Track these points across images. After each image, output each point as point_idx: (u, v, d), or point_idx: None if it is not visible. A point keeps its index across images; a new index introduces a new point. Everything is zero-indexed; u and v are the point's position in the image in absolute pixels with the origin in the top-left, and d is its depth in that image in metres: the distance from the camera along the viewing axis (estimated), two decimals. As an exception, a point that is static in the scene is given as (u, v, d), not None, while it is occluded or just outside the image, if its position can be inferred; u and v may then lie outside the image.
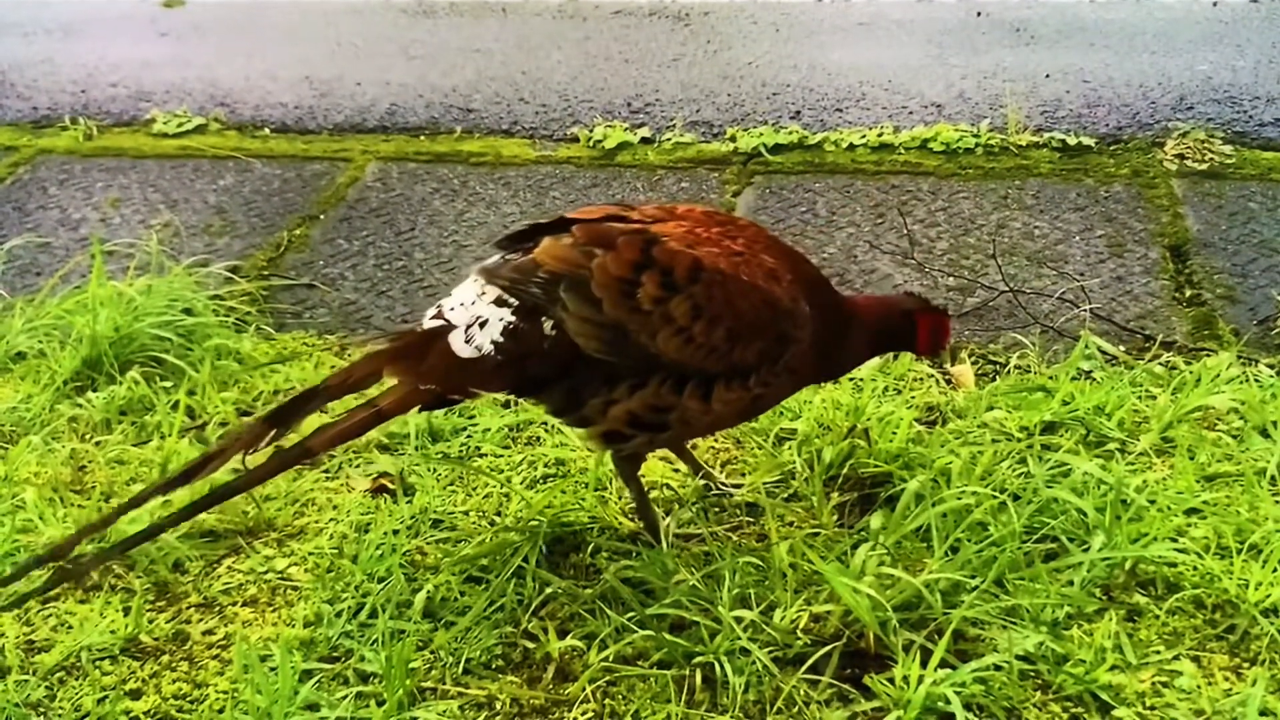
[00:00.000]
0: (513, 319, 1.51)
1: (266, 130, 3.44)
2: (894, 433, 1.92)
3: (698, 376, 1.50)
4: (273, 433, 1.54)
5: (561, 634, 1.57)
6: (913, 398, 2.08)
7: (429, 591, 1.63)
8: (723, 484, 1.88)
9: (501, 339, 1.50)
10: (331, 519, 1.84)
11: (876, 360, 2.10)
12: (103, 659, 1.59)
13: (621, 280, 1.47)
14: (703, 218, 1.59)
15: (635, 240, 1.49)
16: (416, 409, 1.55)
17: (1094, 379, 2.13)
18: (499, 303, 1.52)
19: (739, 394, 1.53)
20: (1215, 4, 4.01)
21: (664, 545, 1.70)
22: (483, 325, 1.52)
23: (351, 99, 3.60)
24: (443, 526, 1.80)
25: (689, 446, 1.90)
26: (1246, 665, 1.50)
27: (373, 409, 1.52)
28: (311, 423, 1.71)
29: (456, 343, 1.51)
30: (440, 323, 1.54)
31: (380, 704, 1.45)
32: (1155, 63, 3.55)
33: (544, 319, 1.50)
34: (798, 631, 1.53)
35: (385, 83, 3.70)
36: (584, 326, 1.48)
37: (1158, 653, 1.52)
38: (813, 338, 1.56)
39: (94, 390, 2.16)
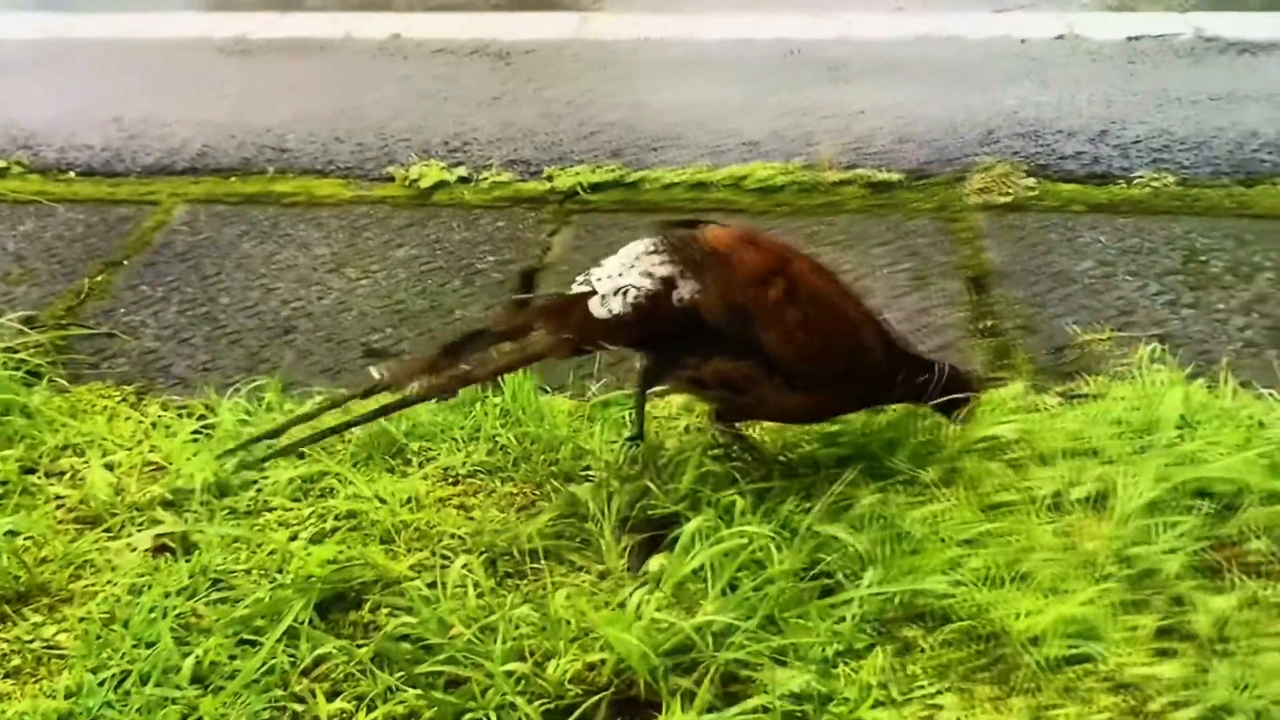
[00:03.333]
0: (653, 286, 1.78)
1: (72, 174, 3.34)
2: (685, 472, 1.93)
3: (783, 373, 1.78)
4: (446, 363, 1.84)
5: (332, 696, 1.53)
6: (713, 435, 2.09)
7: (198, 655, 1.58)
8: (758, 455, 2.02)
9: (639, 301, 1.78)
10: (109, 581, 1.78)
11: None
12: None
13: (758, 275, 1.77)
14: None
15: (776, 251, 1.82)
16: (562, 354, 1.83)
17: (886, 411, 2.16)
18: (642, 274, 1.79)
19: (803, 400, 1.83)
20: (1024, 41, 4.14)
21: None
22: (618, 292, 1.79)
23: (162, 140, 3.51)
24: (221, 586, 1.75)
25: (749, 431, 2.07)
26: (1008, 696, 1.53)
27: (527, 350, 1.85)
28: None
29: (594, 306, 1.80)
30: (586, 288, 1.83)
31: (130, 779, 1.40)
32: (964, 98, 3.66)
33: (674, 290, 1.78)
34: (568, 683, 1.52)
35: (197, 123, 3.62)
36: (717, 301, 1.76)
37: (924, 687, 1.54)
38: (872, 388, 1.89)
39: None
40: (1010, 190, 3.05)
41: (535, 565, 1.79)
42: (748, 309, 1.77)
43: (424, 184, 3.18)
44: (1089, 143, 3.32)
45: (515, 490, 1.99)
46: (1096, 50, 4.05)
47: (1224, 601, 1.65)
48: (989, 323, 2.52)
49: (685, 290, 1.78)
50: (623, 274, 1.81)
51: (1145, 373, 2.20)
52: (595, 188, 3.14)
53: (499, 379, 2.08)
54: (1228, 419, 2.06)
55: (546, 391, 2.25)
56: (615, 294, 1.80)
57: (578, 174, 3.18)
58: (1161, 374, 2.18)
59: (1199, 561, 1.75)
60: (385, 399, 1.87)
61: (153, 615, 1.67)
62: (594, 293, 1.82)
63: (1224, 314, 2.51)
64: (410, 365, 1.85)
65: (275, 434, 1.96)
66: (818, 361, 1.80)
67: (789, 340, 1.77)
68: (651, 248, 1.83)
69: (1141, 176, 3.12)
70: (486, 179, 3.21)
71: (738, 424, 2.00)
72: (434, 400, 1.95)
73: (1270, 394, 2.12)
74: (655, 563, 1.71)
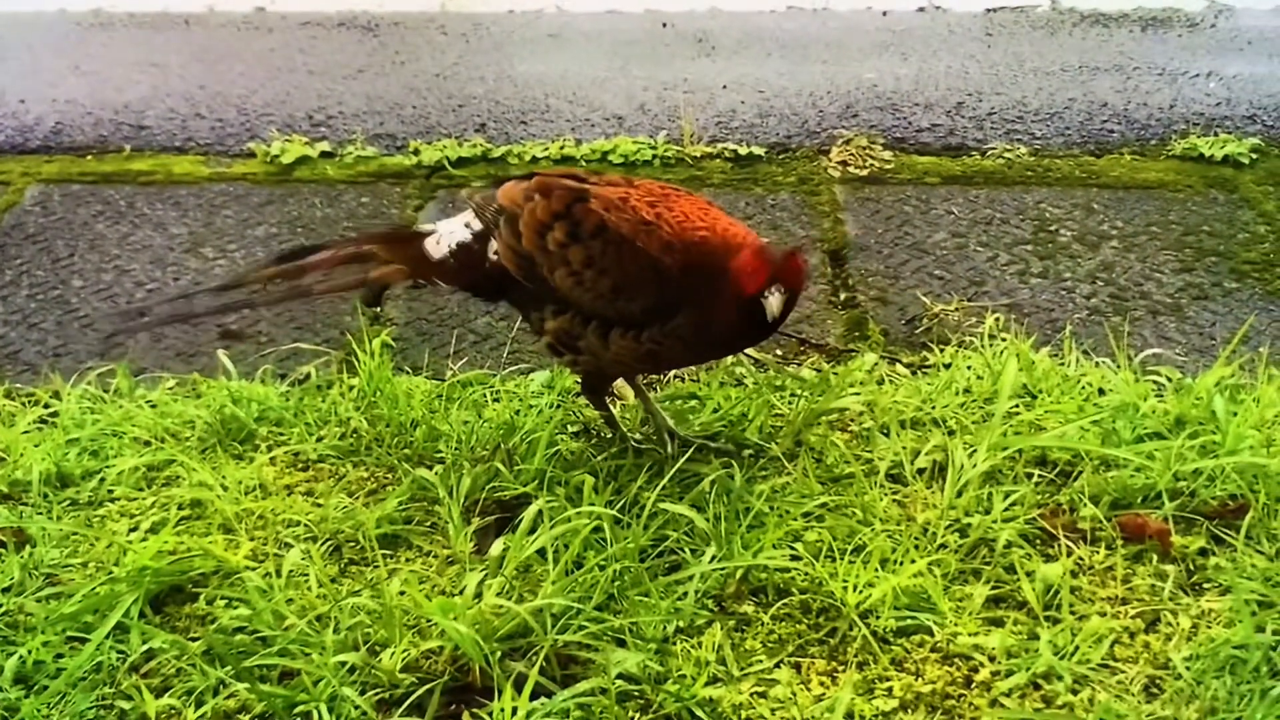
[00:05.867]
0: (469, 238, 1.90)
1: (-82, 153, 3.22)
2: (538, 452, 1.93)
3: (596, 318, 1.79)
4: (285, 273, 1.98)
5: (160, 692, 1.51)
6: (571, 414, 2.09)
7: (23, 654, 1.55)
8: (670, 429, 2.00)
9: (457, 249, 1.90)
10: (-66, 582, 1.73)
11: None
12: None
13: (540, 223, 1.79)
14: (652, 190, 1.84)
15: (566, 195, 1.80)
16: (396, 282, 1.97)
17: (744, 385, 2.18)
18: (467, 226, 1.91)
19: (631, 343, 1.78)
20: (885, 14, 4.19)
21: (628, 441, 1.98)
22: (449, 237, 1.91)
23: (14, 117, 3.40)
24: (54, 581, 1.71)
25: (645, 385, 2.09)
26: (841, 669, 1.56)
27: (363, 271, 1.95)
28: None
29: (430, 244, 1.93)
30: (429, 228, 1.95)
31: (-57, 787, 1.36)
32: (826, 71, 3.69)
33: (490, 243, 1.87)
34: (401, 672, 1.51)
35: (52, 99, 3.51)
36: (508, 252, 1.83)
37: (760, 661, 1.56)
38: (700, 315, 1.76)
39: None
40: (868, 163, 3.09)
41: (384, 552, 1.77)
42: (534, 257, 1.81)
43: (285, 160, 3.12)
44: (945, 115, 3.37)
45: (366, 475, 1.97)
46: (956, 23, 4.12)
47: (1054, 569, 1.69)
48: (845, 295, 2.55)
49: (491, 248, 1.88)
50: (456, 224, 1.94)
51: (992, 342, 2.24)
52: (461, 162, 3.12)
53: (336, 295, 2.15)
54: (1069, 387, 2.12)
55: (404, 373, 2.23)
56: (447, 237, 1.92)
57: (443, 148, 3.15)
58: (1007, 343, 2.22)
59: (1032, 530, 1.79)
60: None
61: (-22, 615, 1.62)
62: (433, 232, 1.94)
63: (1071, 282, 2.57)
64: (249, 271, 2.03)
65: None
66: (616, 296, 1.77)
67: (579, 281, 1.78)
68: (469, 201, 1.93)
69: (995, 148, 3.18)
70: (350, 154, 3.16)
71: (605, 396, 2.00)
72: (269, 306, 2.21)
73: (1108, 362, 2.17)
74: (499, 545, 1.70)
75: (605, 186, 1.83)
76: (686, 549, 1.73)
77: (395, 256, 1.94)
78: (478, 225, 1.91)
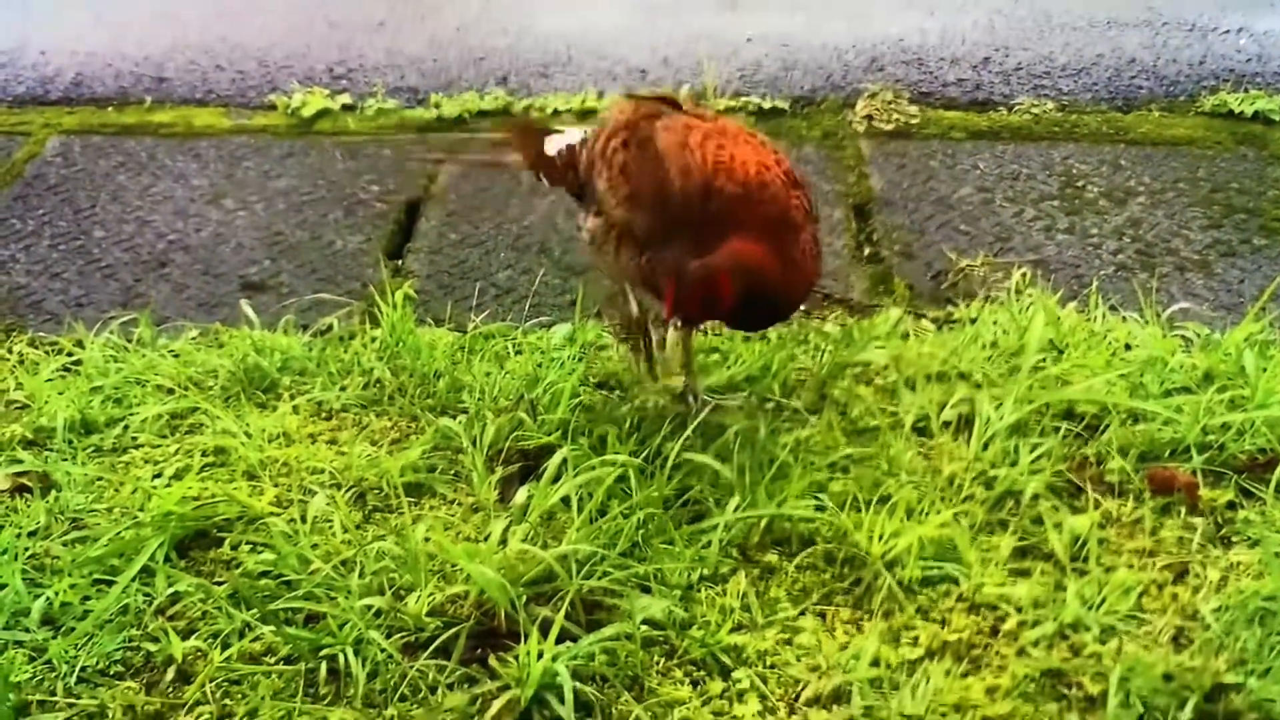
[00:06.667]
0: (575, 142, 1.92)
1: (-61, 104, 3.22)
2: (562, 403, 1.92)
3: (615, 226, 1.78)
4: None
5: (187, 634, 1.51)
6: (593, 366, 2.08)
7: (49, 596, 1.55)
8: (695, 391, 1.97)
9: (565, 150, 1.93)
10: (-38, 524, 1.73)
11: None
12: None
13: (612, 132, 1.82)
14: (728, 129, 1.78)
15: (644, 110, 1.82)
16: (518, 169, 2.04)
17: (767, 339, 2.17)
18: (582, 132, 1.93)
19: (631, 262, 1.76)
20: (913, -35, 4.14)
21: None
22: (566, 139, 1.94)
23: (34, 69, 3.39)
24: (80, 525, 1.72)
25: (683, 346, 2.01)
26: (866, 618, 1.55)
27: (499, 153, 2.10)
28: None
29: (549, 142, 1.96)
30: (560, 129, 1.99)
31: (-27, 724, 1.37)
32: (851, 25, 3.65)
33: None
34: (427, 616, 1.51)
35: (73, 51, 3.50)
36: (583, 154, 1.87)
37: (784, 610, 1.56)
38: (681, 260, 1.67)
39: None
40: (894, 118, 3.06)
41: (404, 500, 1.77)
42: (594, 160, 1.83)
43: (306, 113, 3.11)
44: (972, 70, 3.34)
45: (389, 424, 1.96)
46: (985, -25, 4.07)
47: (1081, 521, 1.69)
48: (870, 250, 2.53)
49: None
50: (578, 132, 1.96)
51: (1019, 297, 2.22)
52: (482, 115, 3.10)
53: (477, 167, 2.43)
54: (1096, 341, 2.10)
55: (426, 325, 2.23)
56: (563, 140, 1.95)
57: (464, 101, 3.13)
58: (1034, 298, 2.20)
59: (1059, 482, 1.78)
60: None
61: (3, 557, 1.63)
62: (561, 133, 1.98)
63: (1098, 238, 2.54)
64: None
65: None
66: (629, 205, 1.75)
67: (610, 184, 1.78)
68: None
69: (1022, 103, 3.15)
70: (371, 107, 3.14)
71: (626, 321, 1.98)
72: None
73: (1135, 317, 2.15)
74: (523, 494, 1.70)
75: (691, 116, 1.82)
76: (710, 499, 1.73)
77: (522, 145, 2.00)
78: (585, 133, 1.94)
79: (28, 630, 1.51)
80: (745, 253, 1.62)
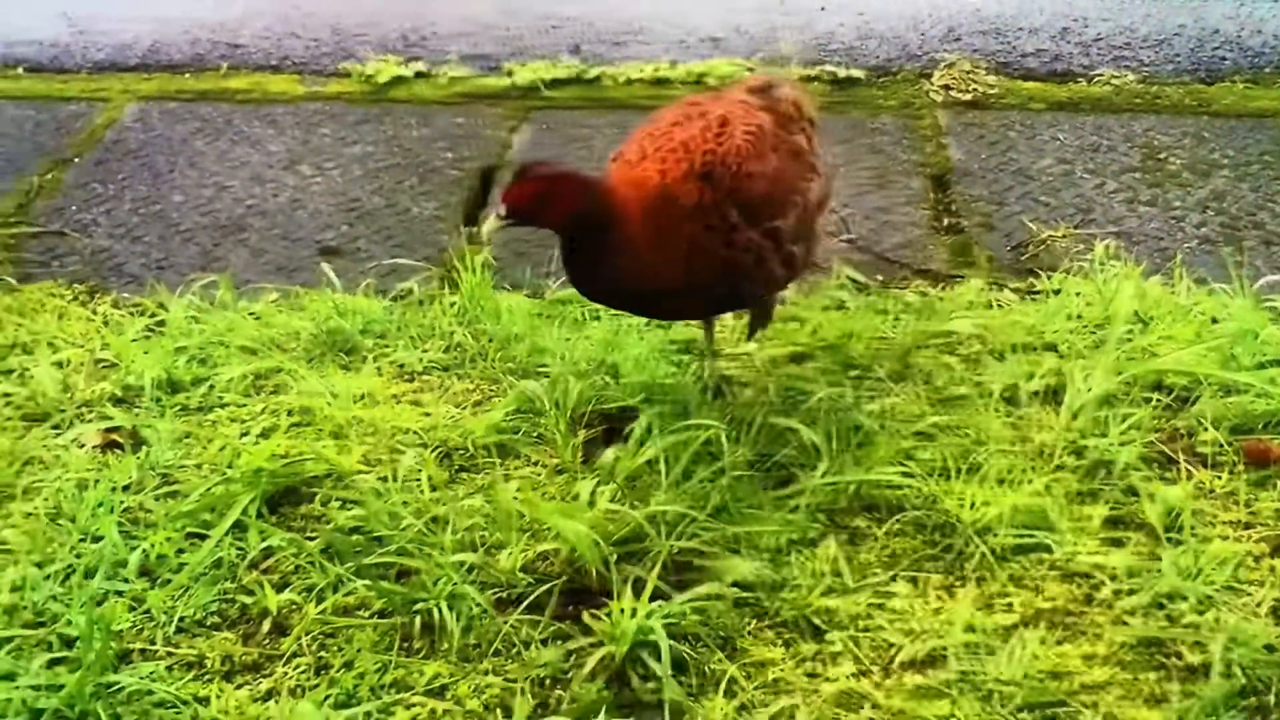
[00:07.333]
0: None
1: (20, 70, 3.25)
2: (642, 367, 1.92)
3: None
4: None
5: (281, 588, 1.53)
6: (671, 331, 2.07)
7: (145, 549, 1.57)
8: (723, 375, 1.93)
9: None
10: (56, 478, 1.75)
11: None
12: None
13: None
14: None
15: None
16: None
17: (845, 308, 2.16)
18: None
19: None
20: (989, -65, 4.08)
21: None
22: None
23: (112, 36, 3.42)
24: (170, 481, 1.73)
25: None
26: (959, 584, 1.54)
27: None
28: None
29: None
30: None
31: (78, 669, 1.39)
32: (926, -6, 3.61)
33: None
34: (520, 572, 1.52)
35: (149, 19, 3.53)
36: None
37: (875, 574, 1.55)
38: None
39: None
40: (972, 88, 3.02)
41: (489, 460, 1.78)
42: None
43: (380, 79, 3.12)
44: (1051, 40, 3.29)
45: (471, 386, 1.97)
46: (1062, -54, 4.00)
47: (1175, 491, 1.66)
48: (949, 221, 2.50)
49: None
50: None
51: (1102, 269, 2.19)
52: (555, 83, 3.09)
53: None
54: (1182, 314, 2.07)
55: (504, 290, 2.23)
56: None
57: (538, 69, 3.12)
58: (1118, 270, 2.17)
59: (1151, 453, 1.76)
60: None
61: (99, 510, 1.65)
62: None
63: (1181, 211, 2.50)
64: None
65: None
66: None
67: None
68: None
69: (1102, 74, 3.10)
70: (444, 74, 3.15)
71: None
72: None
73: (1223, 289, 2.12)
74: (610, 455, 1.70)
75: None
76: (792, 464, 1.72)
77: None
78: None
79: (126, 580, 1.54)
80: (610, 186, 1.65)
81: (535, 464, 1.79)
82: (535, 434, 1.84)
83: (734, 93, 1.84)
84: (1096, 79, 3.08)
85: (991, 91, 3.02)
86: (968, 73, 3.07)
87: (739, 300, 1.79)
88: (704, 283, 1.67)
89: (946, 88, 3.02)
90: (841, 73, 3.09)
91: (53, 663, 1.42)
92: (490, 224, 1.65)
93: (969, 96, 2.99)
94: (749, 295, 1.77)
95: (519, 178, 1.63)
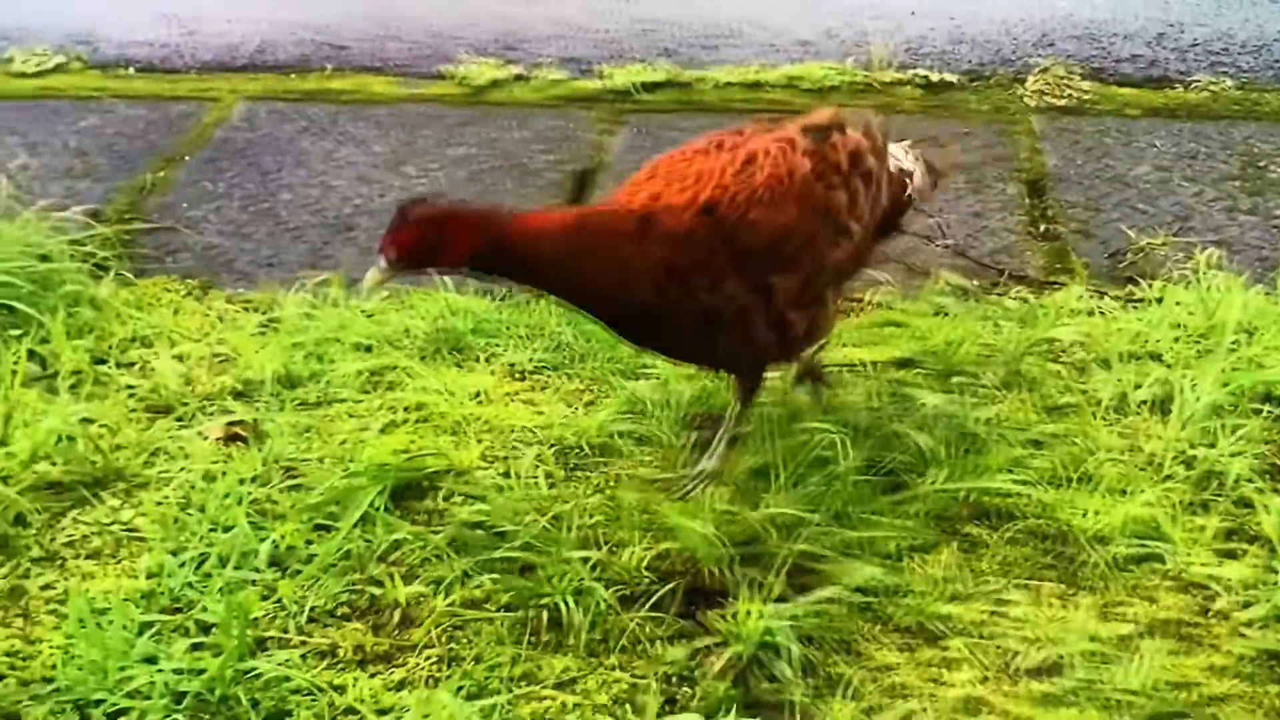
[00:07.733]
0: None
1: (130, 70, 3.34)
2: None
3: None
4: None
5: (408, 580, 1.57)
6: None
7: (275, 540, 1.62)
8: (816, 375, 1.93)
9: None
10: (182, 468, 1.81)
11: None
12: (-69, 618, 1.56)
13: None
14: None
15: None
16: None
17: (947, 314, 2.17)
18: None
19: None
20: (1082, -59, 4.06)
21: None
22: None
23: (220, 37, 3.50)
24: (294, 474, 1.79)
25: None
26: (1076, 593, 1.55)
27: None
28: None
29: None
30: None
31: (218, 655, 1.44)
32: (1020, 0, 3.60)
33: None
34: (641, 569, 1.56)
35: (255, 20, 3.60)
36: None
37: (990, 582, 1.57)
38: None
39: (-66, 340, 2.10)
40: (1066, 93, 3.02)
41: (601, 459, 1.81)
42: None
43: (478, 82, 3.17)
44: (1146, 46, 3.27)
45: (580, 386, 2.01)
46: (1157, -49, 3.98)
47: (1290, 504, 1.66)
48: (1046, 227, 2.51)
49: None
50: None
51: (1204, 278, 2.19)
52: (649, 87, 3.12)
53: None
54: (1289, 325, 2.06)
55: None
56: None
57: (632, 72, 3.15)
58: (1220, 279, 2.17)
59: (1264, 464, 1.76)
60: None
61: (227, 500, 1.70)
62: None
63: (1284, 220, 2.49)
64: None
65: None
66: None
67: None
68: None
69: (1199, 80, 3.08)
70: (540, 77, 3.19)
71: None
72: None
73: (1329, 301, 2.11)
74: (719, 458, 1.73)
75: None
76: (904, 470, 1.74)
77: None
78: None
79: (257, 570, 1.59)
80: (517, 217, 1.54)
81: (644, 464, 1.82)
82: (642, 435, 1.87)
83: (788, 127, 1.68)
84: (1194, 85, 3.06)
85: (1086, 97, 3.01)
86: (1062, 78, 3.06)
87: (714, 353, 1.68)
88: (669, 308, 1.55)
89: (1041, 93, 3.02)
90: (934, 76, 3.09)
91: (193, 647, 1.48)
92: (372, 276, 1.54)
93: (1063, 102, 2.99)
94: (725, 352, 1.66)
95: (401, 220, 1.51)
